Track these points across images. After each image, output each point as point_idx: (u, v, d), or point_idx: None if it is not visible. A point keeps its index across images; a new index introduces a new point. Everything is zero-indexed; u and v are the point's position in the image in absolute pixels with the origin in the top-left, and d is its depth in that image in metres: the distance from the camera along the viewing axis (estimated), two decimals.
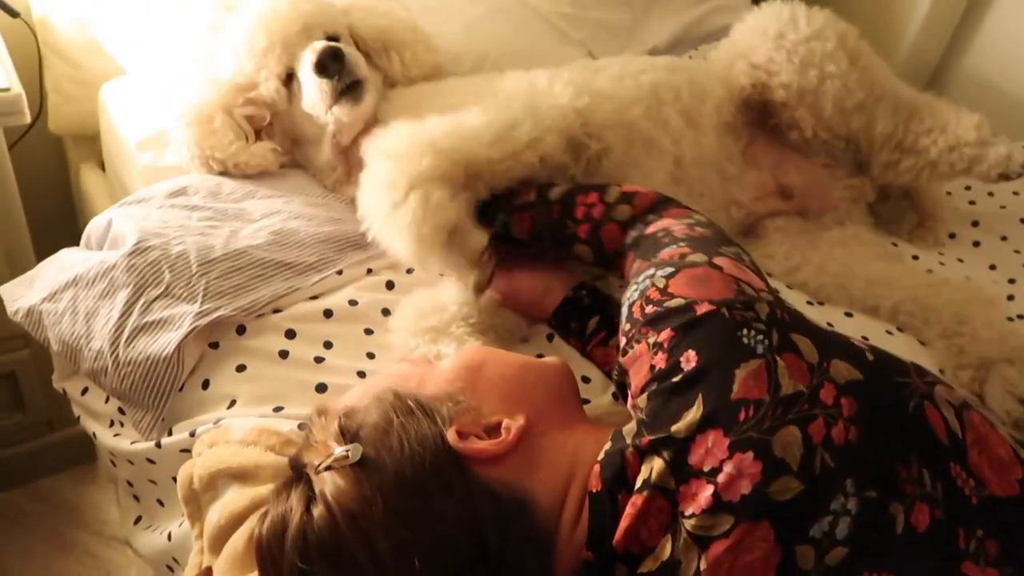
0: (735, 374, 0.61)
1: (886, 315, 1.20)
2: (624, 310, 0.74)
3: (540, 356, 1.02)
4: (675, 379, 0.64)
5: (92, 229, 1.07)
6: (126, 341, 0.92)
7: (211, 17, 1.33)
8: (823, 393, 0.61)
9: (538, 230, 0.98)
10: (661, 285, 0.70)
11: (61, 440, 1.60)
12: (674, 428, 0.62)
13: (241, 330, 0.96)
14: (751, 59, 1.25)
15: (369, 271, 1.10)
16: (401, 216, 0.93)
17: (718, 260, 0.73)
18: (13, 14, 1.46)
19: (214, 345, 0.95)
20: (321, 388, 0.92)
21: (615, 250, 0.93)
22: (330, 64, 1.09)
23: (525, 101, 1.06)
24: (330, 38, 1.16)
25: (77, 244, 1.14)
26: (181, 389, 0.93)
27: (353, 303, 1.03)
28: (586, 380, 1.00)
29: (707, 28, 1.97)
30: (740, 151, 1.25)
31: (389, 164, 0.96)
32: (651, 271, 0.74)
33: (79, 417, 1.07)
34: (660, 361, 0.65)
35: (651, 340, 0.67)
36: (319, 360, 0.95)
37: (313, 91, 1.11)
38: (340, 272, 1.06)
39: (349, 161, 1.21)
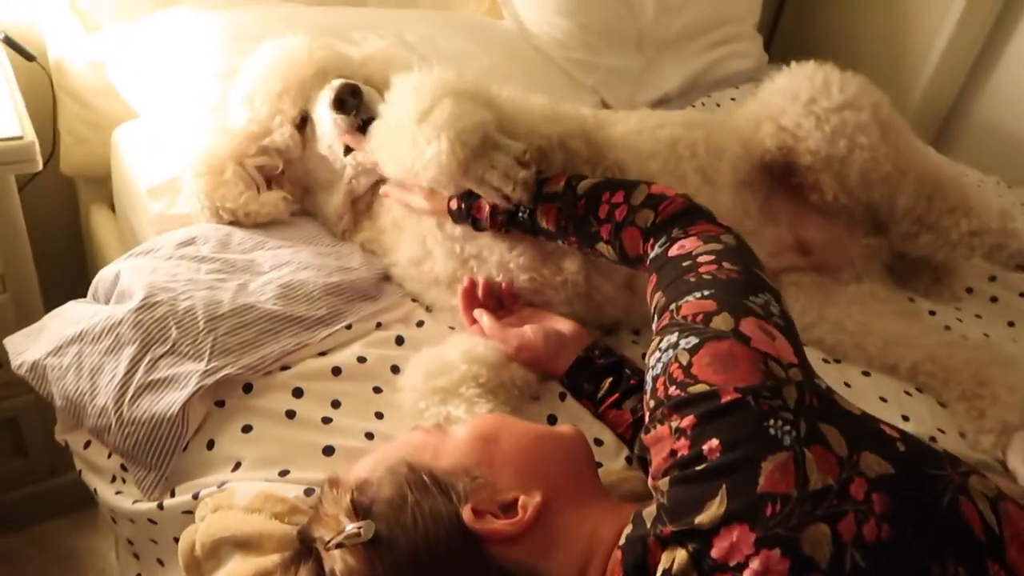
0: (761, 467, 0.59)
1: (905, 374, 1.18)
2: (648, 381, 0.72)
3: (552, 416, 1.01)
4: (698, 467, 0.61)
5: (100, 281, 1.06)
6: (131, 399, 0.90)
7: (225, 63, 1.33)
8: (853, 488, 0.59)
9: (563, 223, 0.98)
10: (685, 362, 0.68)
11: (62, 485, 1.57)
12: (698, 520, 0.59)
13: (248, 388, 0.94)
14: (779, 121, 1.23)
15: (378, 325, 1.08)
16: (436, 117, 0.92)
17: (745, 325, 0.69)
18: (30, 58, 1.47)
19: (220, 403, 0.93)
20: (328, 451, 0.90)
21: (636, 255, 0.92)
22: (348, 99, 1.08)
23: (545, 102, 1.08)
24: None
25: (86, 284, 1.13)
26: (185, 449, 0.91)
27: (362, 360, 1.01)
28: (599, 443, 0.98)
29: (718, 74, 1.98)
30: (758, 206, 1.24)
31: (415, 78, 0.98)
32: (674, 336, 0.71)
33: (80, 471, 1.04)
34: (682, 447, 0.63)
35: (673, 424, 0.65)
36: (327, 421, 0.93)
37: (330, 129, 1.10)
38: (349, 327, 1.05)
39: (357, 208, 1.20)
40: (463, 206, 1.03)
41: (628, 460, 0.98)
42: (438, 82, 0.99)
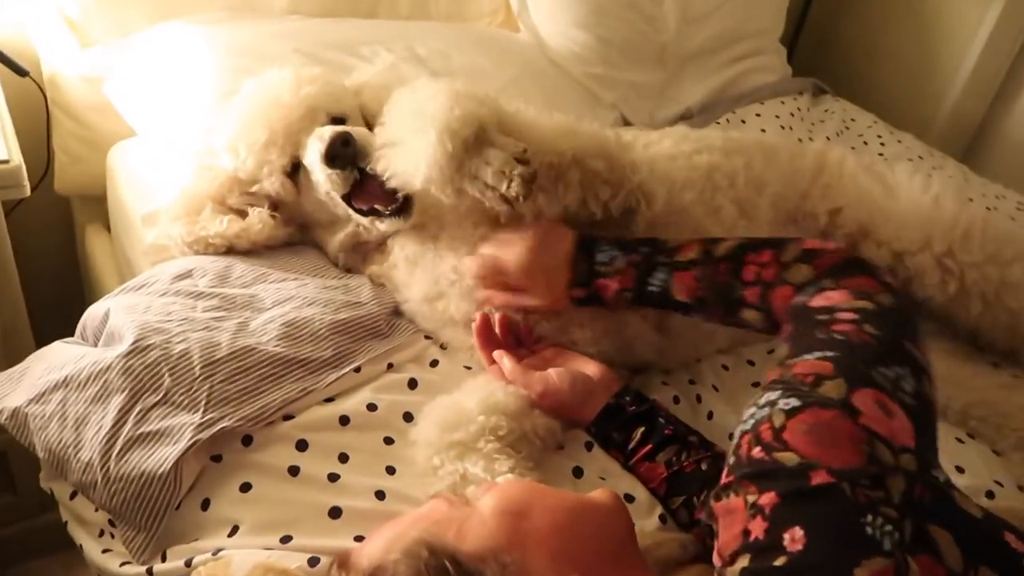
0: (854, 574, 0.51)
1: (954, 418, 1.09)
2: (735, 435, 0.63)
3: (577, 468, 0.92)
4: (776, 563, 0.53)
5: (88, 319, 0.98)
6: (118, 454, 0.82)
7: (225, 82, 1.25)
8: None
9: (702, 292, 0.87)
10: (778, 424, 0.59)
11: (52, 522, 1.46)
12: None
13: (247, 440, 0.86)
14: (896, 250, 1.10)
15: (390, 366, 1.00)
16: (427, 110, 0.87)
17: (859, 397, 0.60)
18: (22, 73, 1.39)
19: (216, 458, 0.85)
20: (335, 513, 0.81)
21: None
22: (340, 152, 0.98)
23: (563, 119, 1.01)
24: (336, 119, 1.06)
25: (83, 308, 1.06)
26: (178, 508, 0.83)
27: (372, 407, 0.93)
28: (630, 499, 0.90)
29: (741, 89, 1.91)
30: None
31: (419, 82, 0.95)
32: (775, 394, 0.62)
33: (67, 523, 0.97)
34: (757, 529, 0.54)
35: (750, 499, 0.56)
36: (333, 478, 0.85)
37: (326, 184, 1.02)
38: (358, 369, 0.96)
39: (365, 247, 1.12)
40: (587, 294, 0.94)
41: (662, 518, 0.90)
42: (441, 85, 0.93)
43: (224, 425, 0.83)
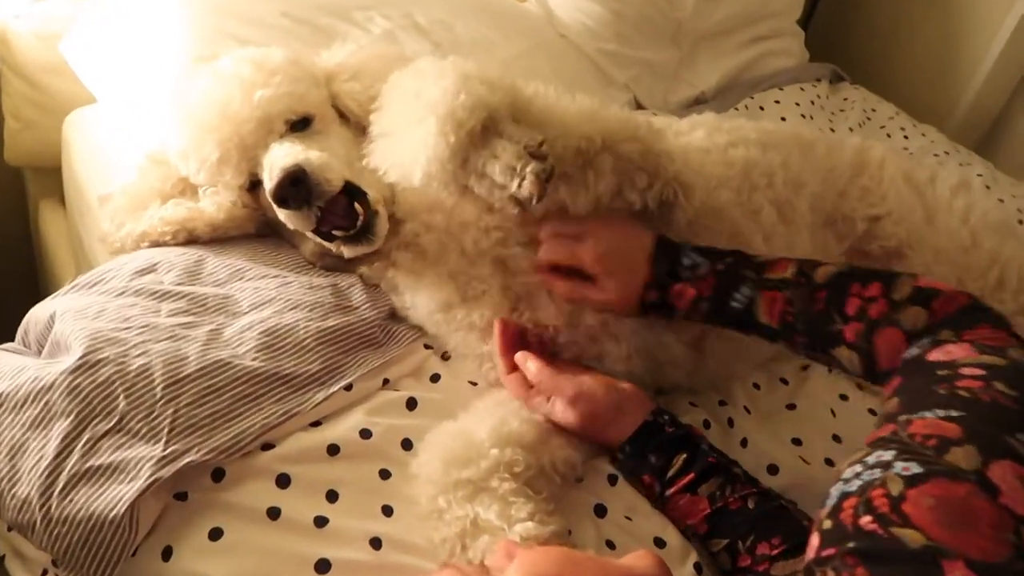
0: None
1: None
2: (833, 496, 0.53)
3: (600, 506, 0.81)
4: None
5: (30, 322, 0.83)
6: (61, 492, 0.68)
7: (198, 48, 1.10)
8: None
9: (791, 320, 0.76)
10: (895, 492, 0.49)
11: None
12: None
13: (218, 475, 0.73)
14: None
15: (386, 382, 0.87)
16: (430, 95, 0.74)
17: (997, 470, 0.50)
18: None
19: (181, 496, 0.71)
20: (322, 567, 0.69)
21: (893, 366, 0.69)
22: (291, 194, 0.83)
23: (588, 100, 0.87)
24: (296, 123, 0.91)
25: (36, 295, 0.91)
26: (134, 554, 0.69)
27: (365, 434, 0.80)
28: (660, 543, 0.79)
29: (758, 73, 1.79)
30: (843, 250, 1.03)
31: (423, 62, 0.82)
32: (888, 454, 0.52)
33: (3, 557, 0.83)
34: None
35: None
36: (320, 522, 0.72)
37: (286, 222, 0.88)
38: (349, 387, 0.83)
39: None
40: (659, 298, 0.82)
41: (696, 567, 0.79)
42: (448, 64, 0.80)
43: (191, 459, 0.70)
